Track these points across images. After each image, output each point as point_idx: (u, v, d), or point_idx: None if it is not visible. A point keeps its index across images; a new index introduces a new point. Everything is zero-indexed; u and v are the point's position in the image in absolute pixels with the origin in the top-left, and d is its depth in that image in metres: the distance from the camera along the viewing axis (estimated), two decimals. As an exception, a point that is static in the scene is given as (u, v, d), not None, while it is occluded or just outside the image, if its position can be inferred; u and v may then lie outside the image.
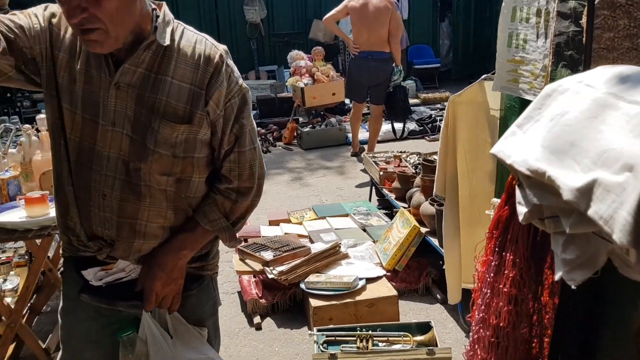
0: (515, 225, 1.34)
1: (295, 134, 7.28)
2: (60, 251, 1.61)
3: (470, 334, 1.51)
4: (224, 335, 3.10)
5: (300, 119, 7.79)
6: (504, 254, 1.37)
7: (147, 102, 1.39)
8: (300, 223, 4.20)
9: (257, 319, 3.22)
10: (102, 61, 1.39)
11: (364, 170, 5.76)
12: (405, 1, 10.44)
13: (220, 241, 1.58)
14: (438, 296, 3.36)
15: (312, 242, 3.78)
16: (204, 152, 1.47)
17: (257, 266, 3.39)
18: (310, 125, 7.33)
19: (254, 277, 3.45)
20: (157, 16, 1.41)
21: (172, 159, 1.42)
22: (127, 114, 1.39)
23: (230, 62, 1.47)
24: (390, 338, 2.64)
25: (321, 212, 4.37)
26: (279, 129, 7.52)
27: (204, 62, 1.41)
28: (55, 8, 1.42)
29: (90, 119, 1.40)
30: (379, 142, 6.78)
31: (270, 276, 3.28)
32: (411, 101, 8.65)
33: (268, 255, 3.40)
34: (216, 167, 1.52)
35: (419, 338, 2.63)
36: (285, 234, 3.91)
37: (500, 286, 1.34)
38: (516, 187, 1.18)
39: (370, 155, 5.08)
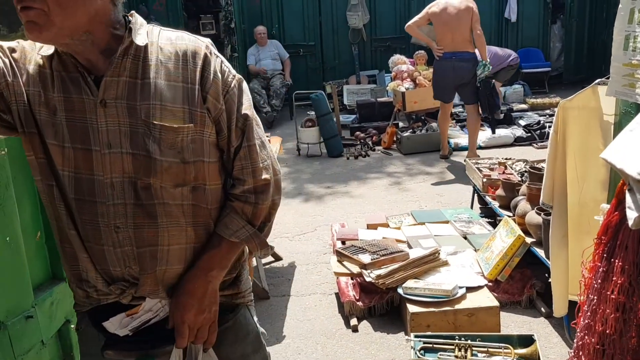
0: (625, 231, 1.27)
1: (394, 138, 7.25)
2: (75, 307, 1.44)
3: (575, 340, 1.44)
4: (321, 335, 3.17)
5: (400, 124, 7.75)
6: (612, 260, 1.30)
7: (140, 111, 1.26)
8: (399, 228, 4.18)
9: (354, 321, 3.25)
10: (81, 82, 1.26)
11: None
12: (513, 3, 10.08)
13: (248, 251, 1.44)
14: (542, 309, 3.22)
15: (410, 247, 3.76)
16: (213, 155, 1.35)
17: (355, 269, 3.42)
18: (411, 130, 7.27)
19: (352, 279, 3.48)
20: (129, 21, 1.31)
21: (182, 166, 1.30)
22: (121, 131, 1.26)
23: (218, 53, 1.36)
24: (490, 349, 2.57)
25: (420, 218, 4.33)
26: (379, 134, 7.53)
27: (192, 57, 1.31)
28: (13, 44, 1.32)
29: (81, 148, 1.27)
30: (483, 148, 6.62)
31: (367, 279, 3.30)
32: (519, 106, 8.39)
33: (366, 258, 3.42)
34: (228, 172, 1.41)
35: (520, 351, 2.54)
36: (384, 238, 3.91)
37: (608, 293, 1.28)
38: (626, 192, 1.13)
39: (474, 161, 4.95)
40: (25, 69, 1.29)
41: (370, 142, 7.37)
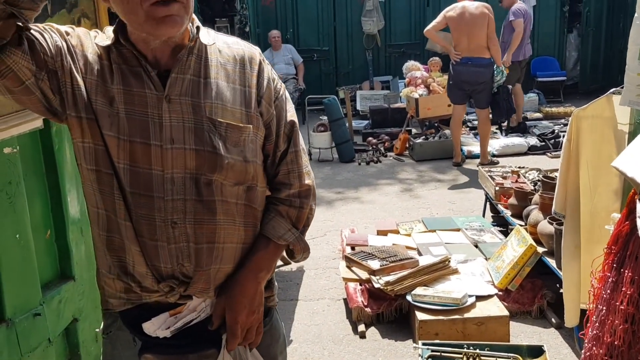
0: (636, 241, 1.25)
1: (407, 145, 7.23)
2: (105, 306, 1.38)
3: (583, 351, 1.42)
4: (328, 340, 3.15)
5: (413, 130, 7.73)
6: (622, 270, 1.28)
7: (204, 109, 1.27)
8: (409, 235, 4.16)
9: (361, 328, 3.23)
10: (144, 76, 1.25)
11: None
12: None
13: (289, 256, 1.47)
14: (553, 320, 3.18)
15: (420, 254, 3.73)
16: (260, 158, 1.37)
17: (364, 274, 3.40)
18: (423, 137, 7.24)
19: (360, 285, 3.46)
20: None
21: (244, 165, 1.31)
22: (185, 127, 1.26)
23: (267, 61, 1.43)
24: (498, 359, 2.54)
25: (431, 225, 4.30)
26: (391, 140, 7.51)
27: (249, 62, 1.36)
28: (67, 28, 1.29)
29: (140, 142, 1.25)
30: (496, 156, 6.59)
31: (376, 285, 3.28)
32: (533, 115, 8.33)
33: (375, 264, 3.40)
34: (269, 177, 1.42)
35: (530, 362, 2.51)
36: (393, 244, 3.89)
37: (617, 303, 1.26)
38: (637, 201, 1.11)
39: (486, 169, 4.92)
40: (82, 55, 1.26)
41: (382, 148, 7.34)
